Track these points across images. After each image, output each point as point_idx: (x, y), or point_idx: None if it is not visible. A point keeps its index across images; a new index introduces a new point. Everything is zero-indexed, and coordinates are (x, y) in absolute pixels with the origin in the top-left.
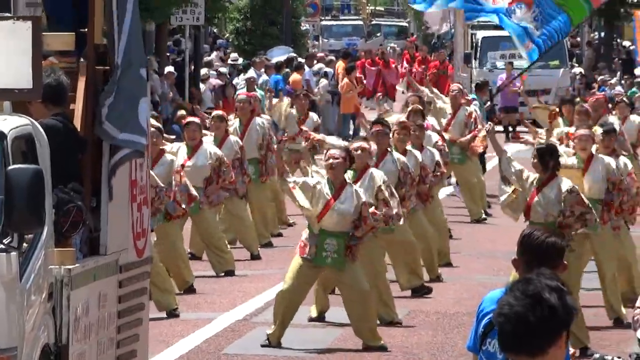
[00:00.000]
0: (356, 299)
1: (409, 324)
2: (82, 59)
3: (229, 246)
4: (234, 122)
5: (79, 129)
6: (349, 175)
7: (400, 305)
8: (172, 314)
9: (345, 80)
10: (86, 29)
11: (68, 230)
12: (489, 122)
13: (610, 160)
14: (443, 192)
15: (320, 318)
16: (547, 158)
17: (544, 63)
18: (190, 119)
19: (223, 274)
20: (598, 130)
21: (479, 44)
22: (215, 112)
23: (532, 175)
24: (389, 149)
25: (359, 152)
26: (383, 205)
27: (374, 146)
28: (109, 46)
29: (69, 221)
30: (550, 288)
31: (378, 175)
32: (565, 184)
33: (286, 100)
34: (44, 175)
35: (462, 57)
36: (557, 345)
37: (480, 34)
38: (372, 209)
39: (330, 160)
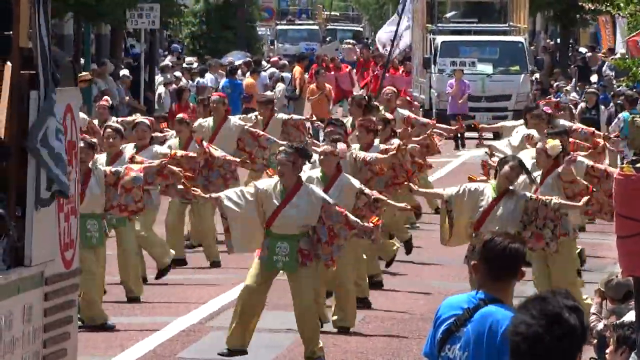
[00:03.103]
0: (298, 309)
1: (364, 329)
2: (7, 62)
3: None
4: (207, 122)
5: (2, 136)
6: (318, 177)
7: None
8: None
9: (313, 85)
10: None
11: None
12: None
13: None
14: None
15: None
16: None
17: (504, 69)
18: (139, 119)
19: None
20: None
21: (438, 49)
22: (177, 116)
23: (485, 189)
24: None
25: (323, 157)
26: (368, 210)
27: (341, 145)
28: (35, 53)
29: None
30: (569, 308)
31: (354, 180)
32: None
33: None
34: None
35: (421, 61)
36: None
37: (440, 39)
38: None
39: (278, 167)
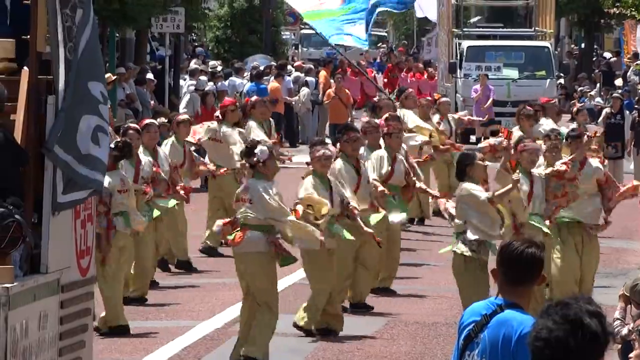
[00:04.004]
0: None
1: (388, 333)
2: (24, 67)
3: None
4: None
5: (19, 141)
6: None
7: (379, 315)
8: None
9: (330, 90)
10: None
11: (7, 247)
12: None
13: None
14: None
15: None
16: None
17: (530, 73)
18: (148, 120)
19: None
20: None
21: (464, 54)
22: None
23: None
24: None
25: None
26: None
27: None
28: (53, 56)
29: (8, 237)
30: (590, 313)
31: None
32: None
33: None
34: None
35: (446, 66)
36: None
37: (466, 44)
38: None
39: None
